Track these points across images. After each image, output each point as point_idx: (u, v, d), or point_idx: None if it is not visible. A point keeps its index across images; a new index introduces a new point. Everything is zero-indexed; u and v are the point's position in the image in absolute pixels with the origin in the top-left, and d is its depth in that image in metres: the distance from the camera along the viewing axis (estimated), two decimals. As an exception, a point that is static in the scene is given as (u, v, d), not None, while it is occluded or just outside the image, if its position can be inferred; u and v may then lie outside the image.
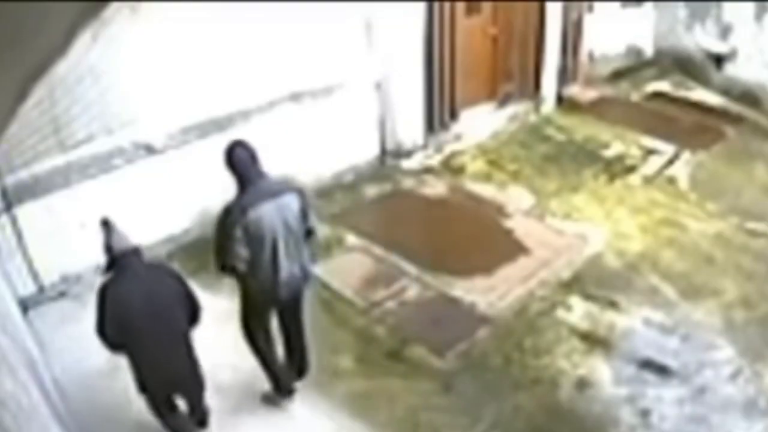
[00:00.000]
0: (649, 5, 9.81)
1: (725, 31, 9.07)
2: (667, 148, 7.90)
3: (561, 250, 6.20)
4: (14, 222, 5.04)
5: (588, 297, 5.61)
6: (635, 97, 9.38)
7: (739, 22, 8.85)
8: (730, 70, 9.10)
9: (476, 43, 7.96)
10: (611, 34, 9.39)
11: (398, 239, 6.30)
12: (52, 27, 1.47)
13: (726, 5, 8.97)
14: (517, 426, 4.52)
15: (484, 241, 6.43)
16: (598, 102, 8.96)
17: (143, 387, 4.02)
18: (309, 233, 4.23)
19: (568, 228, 6.53)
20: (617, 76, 9.69)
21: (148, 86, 5.45)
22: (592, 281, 5.80)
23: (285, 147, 6.07)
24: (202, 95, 5.78)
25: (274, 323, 4.57)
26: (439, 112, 7.69)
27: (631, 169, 7.54)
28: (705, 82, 9.42)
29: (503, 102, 8.46)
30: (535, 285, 5.75)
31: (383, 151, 7.48)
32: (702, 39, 9.36)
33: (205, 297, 5.08)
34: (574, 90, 8.99)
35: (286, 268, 4.09)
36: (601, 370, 4.94)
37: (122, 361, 4.05)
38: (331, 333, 5.20)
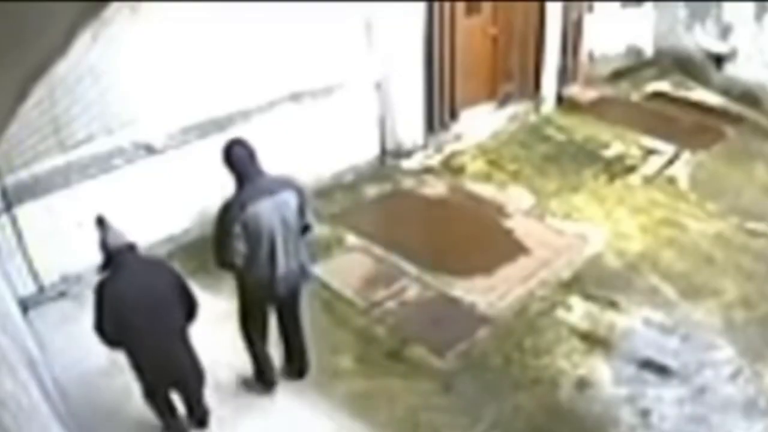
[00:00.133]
0: (649, 5, 9.81)
1: (725, 31, 9.07)
2: (667, 148, 7.90)
3: (561, 250, 6.20)
4: (14, 222, 5.04)
5: (588, 297, 5.61)
6: (635, 97, 9.38)
7: (739, 22, 8.85)
8: (730, 70, 9.10)
9: (476, 43, 7.96)
10: (611, 34, 9.40)
11: (398, 239, 6.30)
12: (52, 27, 1.47)
13: (726, 5, 8.97)
14: (517, 426, 4.52)
15: (484, 241, 6.43)
16: (598, 102, 8.96)
17: (148, 392, 4.04)
18: (306, 229, 4.27)
19: (568, 228, 6.53)
20: (617, 76, 9.69)
21: (148, 86, 5.45)
22: (592, 281, 5.80)
23: (285, 147, 6.07)
24: (202, 95, 5.79)
25: (273, 323, 4.58)
26: (439, 112, 7.69)
27: (631, 169, 7.54)
28: (705, 82, 9.41)
29: (503, 102, 8.46)
30: (535, 285, 5.75)
31: (383, 151, 7.48)
32: (702, 39, 9.36)
33: (205, 297, 5.08)
34: (574, 90, 8.99)
35: (284, 264, 4.14)
36: (601, 370, 4.94)
37: (122, 362, 4.05)
38: (331, 333, 5.20)
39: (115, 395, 4.50)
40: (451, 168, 7.57)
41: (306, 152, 6.52)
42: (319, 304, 5.42)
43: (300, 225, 4.19)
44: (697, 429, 4.50)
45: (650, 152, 7.86)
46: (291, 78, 6.37)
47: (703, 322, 5.37)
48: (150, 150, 5.67)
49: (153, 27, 5.31)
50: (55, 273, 5.38)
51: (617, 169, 7.56)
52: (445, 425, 4.52)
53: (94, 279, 3.92)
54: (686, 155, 7.77)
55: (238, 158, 3.97)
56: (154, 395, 4.10)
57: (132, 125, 5.52)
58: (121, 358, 4.03)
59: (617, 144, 8.05)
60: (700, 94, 9.34)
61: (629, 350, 5.12)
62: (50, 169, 5.15)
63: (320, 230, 6.22)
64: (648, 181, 7.34)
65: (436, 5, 7.16)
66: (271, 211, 3.99)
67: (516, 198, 7.02)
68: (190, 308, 4.00)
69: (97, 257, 3.85)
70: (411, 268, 5.90)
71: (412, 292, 5.66)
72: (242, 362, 4.68)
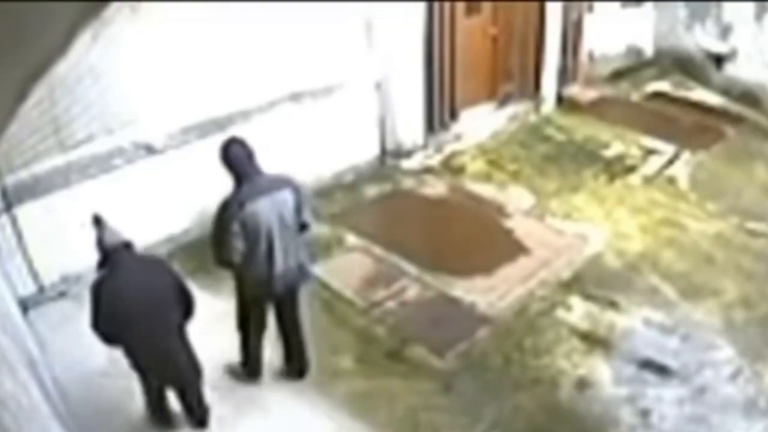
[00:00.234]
0: (649, 5, 9.81)
1: (725, 31, 9.07)
2: (667, 148, 7.89)
3: (561, 250, 6.20)
4: (14, 222, 5.04)
5: (588, 297, 5.61)
6: (635, 97, 9.38)
7: (739, 22, 8.85)
8: (730, 70, 9.10)
9: (476, 43, 7.96)
10: (611, 34, 9.39)
11: (398, 239, 6.30)
12: (52, 27, 1.47)
13: (726, 5, 8.97)
14: (517, 426, 4.52)
15: (484, 241, 6.43)
16: (598, 102, 8.96)
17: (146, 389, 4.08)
18: (303, 227, 4.31)
19: (568, 228, 6.53)
20: (617, 76, 9.69)
21: (148, 86, 5.45)
22: (592, 281, 5.80)
23: (285, 147, 6.07)
24: (202, 95, 5.78)
25: (273, 323, 4.59)
26: (439, 112, 7.69)
27: (631, 169, 7.53)
28: (705, 82, 9.41)
29: (503, 102, 8.46)
30: (535, 285, 5.75)
31: (383, 151, 7.48)
32: (702, 39, 9.36)
33: (204, 297, 5.08)
34: (574, 90, 8.99)
35: (282, 262, 4.18)
36: (601, 370, 4.94)
37: (123, 362, 4.06)
38: (331, 333, 5.20)
39: (116, 395, 4.50)
40: (451, 168, 7.56)
41: (306, 152, 6.52)
42: (319, 304, 5.42)
43: (297, 223, 4.24)
44: (697, 429, 4.50)
45: (650, 152, 7.85)
46: (291, 78, 6.37)
47: (703, 322, 5.37)
48: (150, 150, 5.67)
49: (153, 27, 5.31)
50: (55, 273, 5.38)
51: (617, 169, 7.56)
52: (445, 425, 4.52)
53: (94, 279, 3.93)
54: (686, 155, 7.77)
55: (236, 157, 4.02)
56: (150, 390, 4.12)
57: (132, 125, 5.51)
58: (121, 358, 4.03)
59: (617, 144, 8.05)
60: (700, 94, 9.34)
61: (629, 350, 5.12)
62: (50, 169, 5.15)
63: (320, 230, 6.23)
64: (648, 181, 7.34)
65: (436, 5, 7.16)
66: (269, 210, 4.04)
67: (516, 198, 7.02)
68: (187, 306, 4.02)
69: (97, 257, 3.86)
70: (411, 268, 5.90)
71: (412, 292, 5.66)
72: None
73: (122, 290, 3.74)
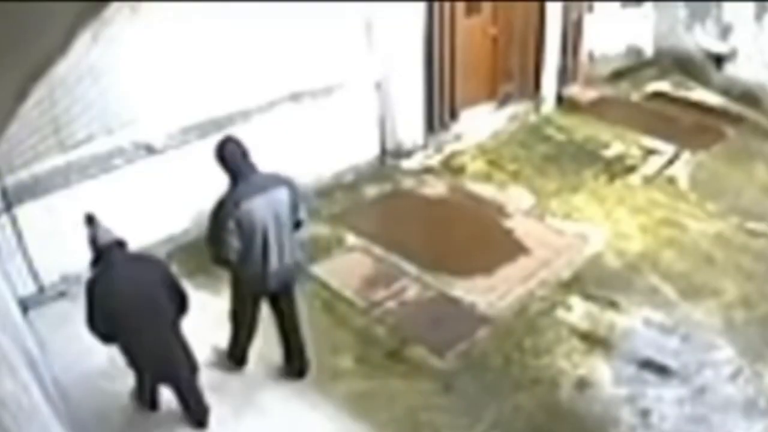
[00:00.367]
0: (649, 5, 9.81)
1: (725, 31, 9.06)
2: (667, 148, 7.89)
3: (561, 250, 6.20)
4: (14, 222, 5.04)
5: (588, 297, 5.61)
6: (635, 97, 9.38)
7: (739, 22, 8.84)
8: (730, 70, 9.09)
9: (476, 43, 7.96)
10: (611, 34, 9.39)
11: (398, 239, 6.30)
12: (52, 27, 1.47)
13: (726, 5, 8.96)
14: (517, 426, 4.52)
15: (484, 241, 6.42)
16: (598, 102, 8.96)
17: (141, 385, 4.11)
18: (298, 225, 4.35)
19: (568, 228, 6.53)
20: (617, 76, 9.68)
21: (148, 86, 5.45)
22: (592, 281, 5.80)
23: (285, 147, 6.07)
24: (202, 95, 5.78)
25: (273, 324, 4.59)
26: (439, 112, 7.69)
27: (631, 169, 7.53)
28: (705, 82, 9.41)
29: (503, 102, 8.46)
30: (535, 285, 5.75)
31: (383, 151, 7.48)
32: (702, 39, 9.36)
33: (204, 297, 5.09)
34: (574, 90, 8.99)
35: (276, 260, 4.22)
36: (601, 370, 4.94)
37: (122, 362, 4.06)
38: (331, 333, 5.20)
39: (116, 396, 4.50)
40: (451, 168, 7.56)
41: (306, 152, 6.52)
42: (319, 304, 5.43)
43: (292, 221, 4.27)
44: (697, 429, 4.50)
45: (650, 152, 7.85)
46: (291, 78, 6.37)
47: (703, 322, 5.36)
48: (150, 150, 5.67)
49: (153, 27, 5.31)
50: (55, 273, 5.38)
51: (617, 169, 7.56)
52: (445, 425, 4.51)
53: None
54: (686, 155, 7.77)
55: (231, 155, 4.06)
56: (143, 387, 4.15)
57: (132, 125, 5.51)
58: (120, 358, 4.03)
59: (617, 144, 8.05)
60: (700, 94, 9.34)
61: (629, 350, 5.11)
62: (50, 169, 5.15)
63: (320, 230, 6.23)
64: (648, 181, 7.34)
65: (436, 5, 7.15)
66: (264, 208, 4.07)
67: (516, 198, 7.01)
68: (180, 302, 4.04)
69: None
70: (411, 268, 5.90)
71: (412, 292, 5.66)
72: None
73: (115, 288, 3.77)
